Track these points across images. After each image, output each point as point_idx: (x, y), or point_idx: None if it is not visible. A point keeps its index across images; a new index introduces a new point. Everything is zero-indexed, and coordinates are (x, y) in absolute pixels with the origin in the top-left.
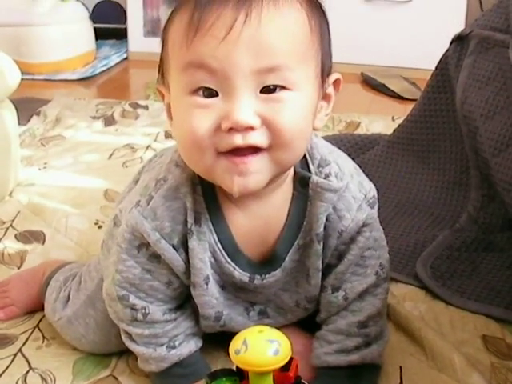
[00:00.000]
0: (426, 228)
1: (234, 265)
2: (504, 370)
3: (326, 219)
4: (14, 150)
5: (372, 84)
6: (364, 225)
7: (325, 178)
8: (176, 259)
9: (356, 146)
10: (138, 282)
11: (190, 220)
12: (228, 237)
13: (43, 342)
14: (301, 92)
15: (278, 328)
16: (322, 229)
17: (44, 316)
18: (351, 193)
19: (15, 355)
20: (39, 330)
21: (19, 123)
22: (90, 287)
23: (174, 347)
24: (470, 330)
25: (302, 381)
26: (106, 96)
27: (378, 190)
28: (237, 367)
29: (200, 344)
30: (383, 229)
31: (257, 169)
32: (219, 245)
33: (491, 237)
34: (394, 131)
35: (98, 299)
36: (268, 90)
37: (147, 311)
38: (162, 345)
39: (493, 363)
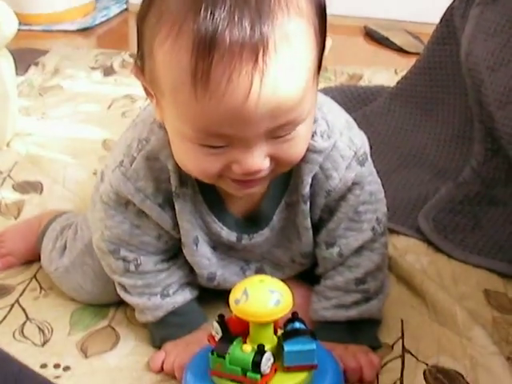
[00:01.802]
0: (428, 181)
1: (221, 224)
2: (506, 325)
3: (313, 179)
4: (12, 99)
5: (375, 37)
6: (354, 183)
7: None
8: (163, 218)
9: (358, 98)
10: (128, 238)
11: (174, 183)
12: (214, 197)
13: (40, 292)
14: (307, 119)
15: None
16: (307, 189)
17: (41, 266)
18: (339, 151)
19: (12, 306)
20: (36, 280)
21: (17, 73)
22: (87, 236)
23: (168, 295)
24: (472, 284)
25: (299, 317)
26: (105, 47)
27: (380, 141)
28: (222, 318)
29: (195, 293)
30: (385, 181)
31: (260, 183)
32: (205, 205)
33: (494, 191)
34: (397, 83)
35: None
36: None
37: (139, 262)
38: (155, 294)
39: (494, 317)
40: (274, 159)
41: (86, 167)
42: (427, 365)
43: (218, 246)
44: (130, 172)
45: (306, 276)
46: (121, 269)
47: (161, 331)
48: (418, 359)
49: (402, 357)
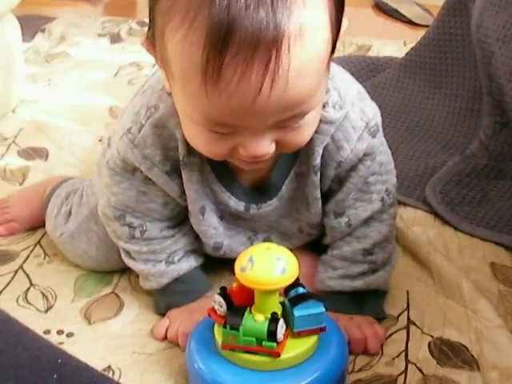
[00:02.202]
0: (436, 153)
1: (229, 194)
2: (511, 298)
3: (324, 149)
4: (18, 66)
5: (384, 9)
6: (365, 154)
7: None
8: (170, 185)
9: (367, 69)
10: (134, 204)
11: (182, 151)
12: (222, 167)
13: (45, 258)
14: (316, 106)
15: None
16: (318, 160)
17: (46, 233)
18: (351, 122)
19: (16, 272)
20: (41, 246)
21: (23, 40)
22: (93, 201)
23: (173, 262)
24: (478, 257)
25: (300, 282)
26: (112, 14)
27: (388, 113)
28: (224, 290)
29: (201, 261)
30: (392, 152)
31: (266, 162)
32: (213, 175)
33: (502, 165)
34: (407, 54)
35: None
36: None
37: (145, 228)
38: (160, 261)
39: (500, 291)
40: (280, 144)
41: (92, 134)
42: (432, 337)
43: (226, 215)
44: (138, 139)
45: (312, 246)
46: (126, 235)
47: (165, 298)
48: (423, 331)
49: (407, 328)
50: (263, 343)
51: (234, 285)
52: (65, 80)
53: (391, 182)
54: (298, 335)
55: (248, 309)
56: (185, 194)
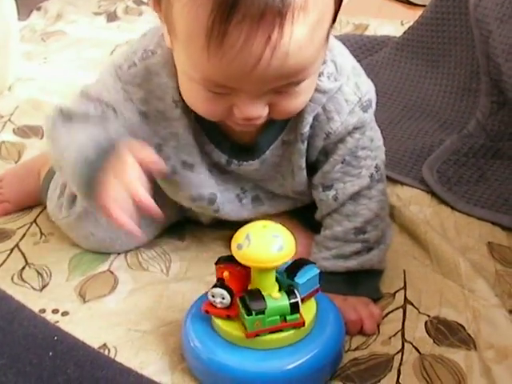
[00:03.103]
0: (433, 132)
1: (213, 146)
2: (508, 278)
3: (315, 119)
4: (14, 43)
5: None
6: (354, 128)
7: None
8: (139, 127)
9: (364, 48)
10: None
11: (176, 97)
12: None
13: (41, 237)
14: (313, 75)
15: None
16: (307, 129)
17: (41, 212)
18: (344, 95)
19: (12, 250)
20: (37, 225)
21: (19, 18)
22: None
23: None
24: (475, 236)
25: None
26: None
27: (385, 92)
28: (223, 283)
29: None
30: (389, 131)
31: (258, 124)
32: (198, 125)
33: (499, 144)
34: (404, 33)
35: None
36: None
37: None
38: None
39: (497, 270)
40: (273, 108)
41: None
42: (429, 316)
43: (213, 168)
44: (125, 74)
45: (307, 225)
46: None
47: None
48: (419, 310)
49: (404, 307)
50: (287, 318)
51: (225, 274)
52: (61, 58)
53: (380, 158)
54: (303, 302)
55: (257, 289)
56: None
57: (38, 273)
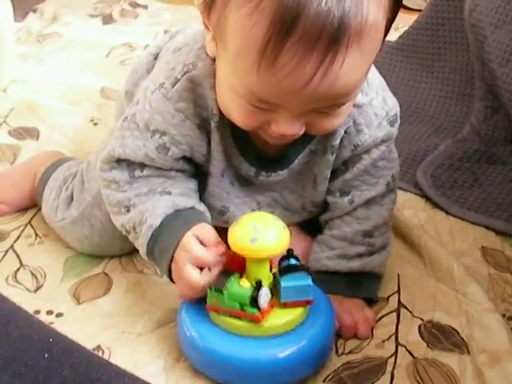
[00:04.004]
0: (427, 137)
1: (242, 158)
2: (502, 282)
3: (344, 131)
4: (9, 45)
5: None
6: (382, 141)
7: None
8: (199, 139)
9: None
10: (140, 159)
11: (216, 111)
12: (242, 130)
13: (35, 239)
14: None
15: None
16: (338, 141)
17: (36, 213)
18: (374, 109)
19: (6, 251)
20: (31, 226)
21: (15, 20)
22: (95, 187)
23: (169, 193)
24: (469, 240)
25: (294, 254)
26: None
27: None
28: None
29: (203, 209)
30: None
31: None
32: (231, 138)
33: (494, 149)
34: (399, 38)
35: (103, 200)
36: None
37: (145, 165)
38: (156, 193)
39: (491, 275)
40: (310, 126)
41: (83, 114)
42: (422, 320)
43: (235, 181)
44: (171, 93)
45: (306, 226)
46: (125, 177)
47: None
48: (413, 314)
49: (398, 311)
50: (246, 308)
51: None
52: (56, 60)
53: (396, 168)
54: (285, 306)
55: (237, 274)
56: (209, 154)
57: (33, 274)
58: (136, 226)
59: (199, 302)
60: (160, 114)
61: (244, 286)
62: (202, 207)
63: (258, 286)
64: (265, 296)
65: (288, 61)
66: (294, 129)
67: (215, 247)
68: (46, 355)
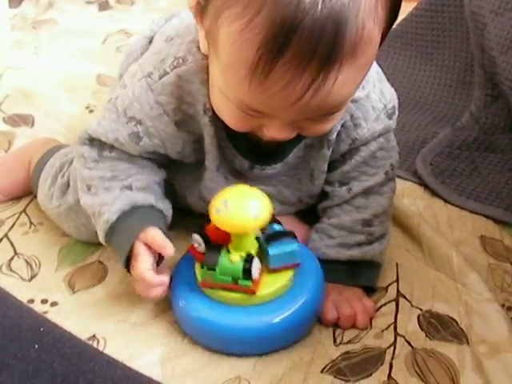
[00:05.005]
0: (426, 125)
1: (235, 151)
2: (501, 272)
3: (342, 125)
4: (4, 32)
5: None
6: (380, 134)
7: None
8: (175, 136)
9: None
10: (118, 144)
11: (209, 105)
12: None
13: (30, 227)
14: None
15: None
16: (334, 135)
17: (31, 201)
18: (371, 102)
19: (1, 240)
20: (26, 214)
21: (10, 6)
22: None
23: (129, 188)
24: (468, 229)
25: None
26: None
27: None
28: (201, 228)
29: (166, 211)
30: None
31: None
32: (224, 132)
33: (493, 138)
34: (398, 25)
35: None
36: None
37: (115, 147)
38: (118, 183)
39: (490, 264)
40: (303, 129)
41: (79, 101)
42: (421, 310)
43: (230, 175)
44: (157, 85)
45: (302, 215)
46: (94, 155)
47: (119, 239)
48: (412, 304)
49: (397, 301)
50: (239, 281)
51: (211, 223)
52: (52, 47)
53: (395, 157)
54: (274, 271)
55: (225, 247)
56: (185, 149)
57: (27, 263)
58: (96, 214)
59: (190, 272)
60: (140, 102)
61: (235, 260)
62: (161, 205)
63: (249, 257)
64: (256, 267)
65: (279, 79)
66: (285, 134)
67: (163, 252)
68: (36, 346)
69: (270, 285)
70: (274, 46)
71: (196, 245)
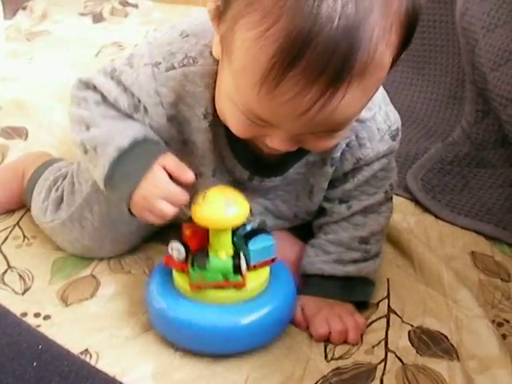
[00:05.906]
0: (417, 140)
1: (236, 161)
2: (491, 288)
3: (346, 145)
4: None
5: None
6: (383, 155)
7: None
8: (167, 126)
9: None
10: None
11: (210, 110)
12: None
13: (24, 240)
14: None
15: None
16: (338, 154)
17: (24, 214)
18: (377, 124)
19: None
20: (20, 228)
21: (5, 17)
22: (86, 189)
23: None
24: (459, 245)
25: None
26: None
27: None
28: (181, 238)
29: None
30: None
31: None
32: (226, 140)
33: (484, 153)
34: None
35: (94, 202)
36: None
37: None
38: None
39: (481, 280)
40: (306, 144)
41: None
42: (412, 326)
43: (227, 184)
44: (161, 76)
45: (296, 230)
46: (97, 98)
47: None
48: (402, 320)
49: (387, 317)
50: (229, 277)
51: (187, 232)
52: (46, 58)
53: (394, 177)
54: (254, 268)
55: (204, 250)
56: (170, 145)
57: (20, 276)
58: (98, 145)
59: (166, 277)
60: (140, 87)
61: (223, 257)
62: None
63: (237, 254)
64: (243, 262)
65: (288, 89)
66: (287, 146)
67: (183, 177)
68: (35, 364)
69: (256, 279)
70: (287, 56)
71: (175, 253)
